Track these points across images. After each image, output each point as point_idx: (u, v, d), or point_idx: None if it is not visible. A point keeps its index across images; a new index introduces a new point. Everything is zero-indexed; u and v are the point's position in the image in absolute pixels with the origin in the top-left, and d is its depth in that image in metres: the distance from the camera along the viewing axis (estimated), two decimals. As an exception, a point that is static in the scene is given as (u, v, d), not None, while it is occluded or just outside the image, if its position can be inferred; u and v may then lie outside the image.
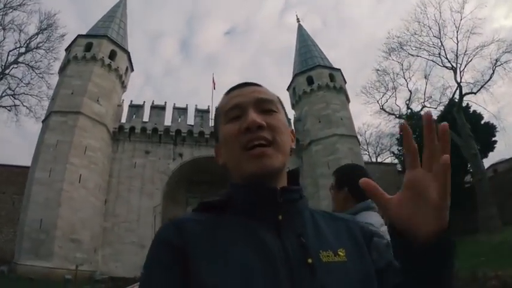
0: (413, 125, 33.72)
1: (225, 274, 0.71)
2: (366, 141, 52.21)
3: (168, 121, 28.86)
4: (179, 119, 29.11)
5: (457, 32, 28.50)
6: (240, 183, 0.86)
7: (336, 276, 0.76)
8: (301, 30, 39.12)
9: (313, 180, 27.55)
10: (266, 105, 0.90)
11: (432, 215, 0.69)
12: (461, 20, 28.58)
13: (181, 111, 29.66)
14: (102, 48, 27.51)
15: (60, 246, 19.54)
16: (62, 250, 19.53)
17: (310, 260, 0.75)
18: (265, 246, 0.76)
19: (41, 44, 30.40)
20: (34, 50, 30.27)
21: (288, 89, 35.82)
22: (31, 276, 17.19)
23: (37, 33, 30.43)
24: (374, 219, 2.06)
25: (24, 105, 30.18)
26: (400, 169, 37.77)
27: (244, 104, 0.88)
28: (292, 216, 0.83)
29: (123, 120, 28.22)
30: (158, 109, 29.30)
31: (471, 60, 28.73)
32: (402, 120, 30.40)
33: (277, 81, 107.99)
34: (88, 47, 27.50)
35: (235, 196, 0.86)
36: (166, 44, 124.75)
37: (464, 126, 26.75)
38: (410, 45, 30.50)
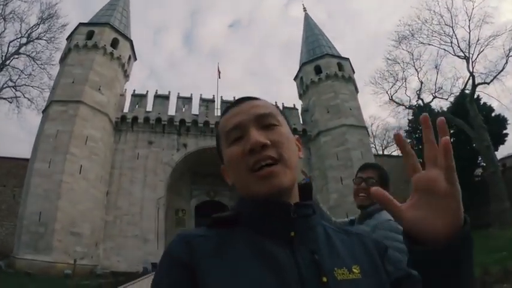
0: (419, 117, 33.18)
1: None
2: (373, 134, 51.33)
3: (172, 111, 28.10)
4: (183, 109, 28.27)
5: (469, 20, 27.90)
6: (251, 200, 0.83)
7: None
8: (307, 19, 38.31)
9: (322, 172, 26.80)
10: (266, 120, 0.87)
11: (446, 205, 0.68)
12: (473, 8, 28.07)
13: (185, 100, 28.80)
14: (104, 36, 26.75)
15: (59, 240, 18.79)
16: (61, 244, 18.79)
17: (325, 279, 0.73)
18: (278, 263, 0.74)
19: (42, 35, 29.94)
20: (35, 41, 29.86)
21: (295, 79, 35.03)
22: (29, 271, 16.63)
23: (38, 24, 29.90)
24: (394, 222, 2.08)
25: (25, 97, 29.87)
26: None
27: (244, 123, 0.86)
28: (305, 232, 0.81)
29: (126, 110, 27.49)
30: (162, 98, 28.52)
31: (483, 50, 28.19)
32: (411, 111, 29.84)
33: (281, 75, 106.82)
34: (89, 35, 26.77)
35: (246, 211, 0.83)
36: (170, 38, 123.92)
37: (476, 118, 26.14)
38: (421, 34, 29.95)
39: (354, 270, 0.78)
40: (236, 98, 0.97)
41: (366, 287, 0.76)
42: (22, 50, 29.34)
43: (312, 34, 35.53)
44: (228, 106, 0.94)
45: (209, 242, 0.78)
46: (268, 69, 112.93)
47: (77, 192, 20.49)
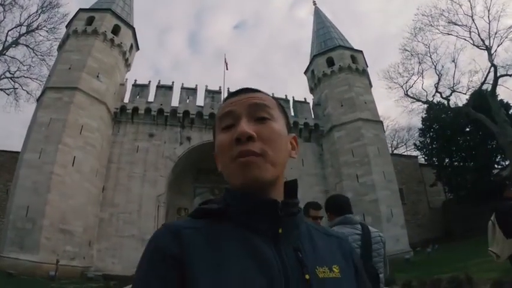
0: (436, 114, 31.66)
1: (224, 286, 0.71)
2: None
3: (175, 102, 26.37)
4: (187, 100, 26.51)
5: (488, 10, 26.30)
6: (238, 192, 0.84)
7: None
8: (318, 12, 36.76)
9: (335, 169, 25.12)
10: (260, 112, 0.88)
11: None
12: (492, -1, 26.28)
13: (190, 91, 27.03)
14: (104, 22, 25.17)
15: (47, 238, 16.95)
16: (49, 242, 16.95)
17: (307, 276, 0.77)
18: (265, 260, 0.76)
19: (42, 24, 28.58)
20: (36, 31, 28.53)
21: (305, 72, 33.36)
22: (13, 271, 14.81)
23: (38, 13, 28.50)
24: (345, 230, 3.05)
25: (24, 89, 28.86)
26: (421, 162, 35.60)
27: (237, 112, 0.88)
28: (290, 230, 0.84)
29: (126, 100, 25.80)
30: (165, 89, 26.75)
31: (502, 42, 26.63)
32: (426, 106, 28.12)
33: (287, 75, 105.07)
34: (90, 21, 25.23)
35: (234, 205, 0.84)
36: (174, 39, 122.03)
37: (499, 112, 24.63)
38: (438, 25, 28.39)
39: (334, 269, 0.83)
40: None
41: (345, 287, 0.83)
42: (22, 40, 28.08)
43: (323, 27, 33.92)
44: (228, 95, 0.96)
45: (199, 234, 0.78)
46: (274, 69, 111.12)
47: (68, 185, 18.70)
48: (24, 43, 28.11)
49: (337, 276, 0.81)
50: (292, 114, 28.01)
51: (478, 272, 9.68)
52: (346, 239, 0.98)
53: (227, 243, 0.77)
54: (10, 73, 28.11)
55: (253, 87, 0.97)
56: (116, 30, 25.96)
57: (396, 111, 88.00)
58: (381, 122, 27.85)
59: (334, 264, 0.83)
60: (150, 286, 0.72)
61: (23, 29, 28.04)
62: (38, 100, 22.65)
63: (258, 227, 0.81)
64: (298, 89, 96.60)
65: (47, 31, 28.54)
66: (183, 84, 27.22)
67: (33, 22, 28.34)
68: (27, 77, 28.57)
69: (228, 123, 0.87)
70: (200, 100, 26.94)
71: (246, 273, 0.72)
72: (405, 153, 44.74)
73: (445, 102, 29.34)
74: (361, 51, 31.33)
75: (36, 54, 28.34)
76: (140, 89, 26.52)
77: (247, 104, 0.88)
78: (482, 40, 26.60)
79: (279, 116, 0.91)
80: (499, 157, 30.06)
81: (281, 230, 0.81)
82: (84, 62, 22.88)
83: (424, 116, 33.10)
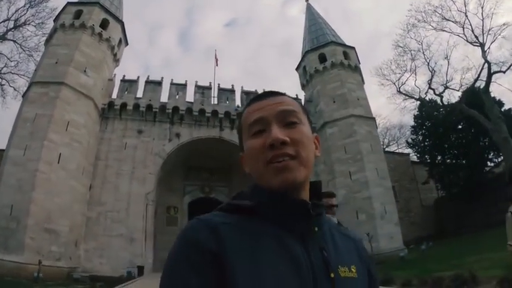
0: (428, 111, 31.57)
1: (261, 285, 0.71)
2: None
3: (164, 98, 25.80)
4: (177, 96, 25.98)
5: (482, 7, 26.28)
6: (269, 191, 0.85)
7: None
8: (310, 9, 36.45)
9: (328, 166, 24.87)
10: (289, 117, 0.89)
11: None
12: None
13: (179, 87, 26.51)
14: (92, 16, 24.56)
15: (32, 238, 16.34)
16: (34, 242, 16.33)
17: (332, 275, 0.79)
18: (296, 259, 0.77)
19: (30, 19, 27.74)
20: (23, 26, 27.73)
21: (297, 69, 33.06)
22: (-6, 273, 14.18)
23: (26, 8, 27.70)
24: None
25: (11, 86, 28.12)
26: (413, 160, 35.49)
27: (267, 118, 0.88)
28: (317, 230, 0.87)
29: (114, 96, 25.16)
30: (154, 84, 26.21)
31: (495, 39, 26.78)
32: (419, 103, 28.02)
33: (277, 74, 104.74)
34: (78, 15, 24.60)
35: (265, 203, 0.85)
36: (165, 36, 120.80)
37: (493, 108, 24.67)
38: (432, 21, 28.43)
39: (352, 269, 0.85)
40: (260, 92, 0.99)
41: (361, 287, 0.86)
42: (9, 35, 27.25)
43: (315, 23, 33.69)
44: (253, 98, 0.97)
45: (234, 230, 0.78)
46: (265, 67, 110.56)
47: (54, 183, 18.09)
48: (12, 38, 27.41)
49: (354, 276, 0.84)
50: (283, 110, 27.52)
51: (480, 269, 9.40)
52: (360, 240, 1.01)
53: (262, 240, 0.77)
54: (-4, 69, 27.29)
55: (277, 90, 0.98)
56: (104, 24, 25.36)
57: (387, 109, 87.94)
58: (374, 119, 27.70)
59: (352, 265, 0.86)
60: (189, 281, 0.70)
61: (11, 24, 27.33)
62: (23, 95, 22.02)
63: (291, 226, 0.82)
64: (289, 87, 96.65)
65: (35, 26, 27.81)
66: (172, 80, 26.72)
67: (21, 17, 27.61)
68: (14, 73, 27.98)
69: (258, 128, 0.88)
70: (190, 96, 26.50)
71: (280, 270, 0.73)
72: (397, 151, 44.74)
73: (438, 99, 29.34)
74: (353, 48, 31.12)
75: (23, 50, 27.68)
76: (129, 84, 25.93)
77: (277, 110, 0.88)
78: (476, 36, 26.60)
79: (305, 118, 0.93)
80: (491, 154, 30.11)
81: (314, 229, 0.84)
82: (71, 56, 22.26)
83: (416, 113, 33.01)
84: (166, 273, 0.74)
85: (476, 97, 25.88)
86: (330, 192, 4.05)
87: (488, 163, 31.01)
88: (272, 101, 0.91)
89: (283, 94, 0.96)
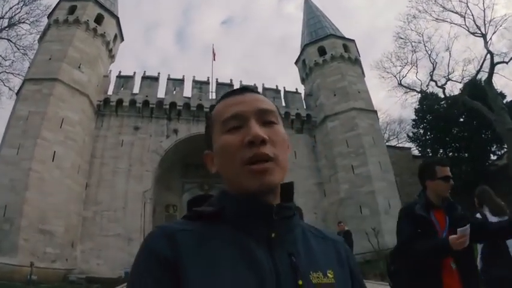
0: (429, 104, 31.20)
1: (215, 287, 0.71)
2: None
3: (161, 94, 25.25)
4: (174, 91, 25.41)
5: None
6: (235, 195, 0.82)
7: None
8: (308, 2, 35.80)
9: (329, 161, 24.34)
10: (268, 116, 0.86)
11: None
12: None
13: (176, 82, 25.91)
14: (87, 11, 23.99)
15: (25, 239, 15.81)
16: (28, 244, 15.81)
17: (300, 282, 0.75)
18: (258, 265, 0.75)
19: (24, 17, 27.20)
20: (17, 24, 27.22)
21: (296, 63, 32.50)
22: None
23: (20, 5, 27.15)
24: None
25: (6, 86, 27.56)
26: (414, 154, 35.12)
27: (246, 114, 0.84)
28: (284, 234, 0.82)
29: (110, 93, 24.59)
30: (150, 80, 25.60)
31: (497, 30, 26.56)
32: (420, 96, 27.63)
33: (276, 71, 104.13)
34: (72, 11, 24.07)
35: (229, 208, 0.82)
36: (162, 34, 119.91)
37: (496, 99, 24.48)
38: (432, 12, 28.17)
39: (329, 274, 0.80)
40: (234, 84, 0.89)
41: None
42: (3, 34, 26.75)
43: (314, 16, 33.11)
44: (228, 93, 0.93)
45: (193, 237, 0.76)
46: (263, 63, 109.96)
47: (48, 182, 17.58)
48: (6, 37, 26.88)
49: (331, 281, 0.79)
50: (284, 104, 27.14)
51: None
52: (342, 242, 0.96)
53: (220, 246, 0.75)
54: (-10, 68, 26.87)
55: (250, 87, 0.94)
56: (99, 20, 24.78)
57: (387, 104, 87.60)
58: (375, 112, 27.14)
59: (328, 269, 0.81)
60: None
61: (5, 22, 26.81)
62: (17, 93, 21.57)
63: (253, 231, 0.79)
64: (288, 82, 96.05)
65: (29, 24, 27.24)
66: (169, 75, 26.17)
67: (15, 15, 27.06)
68: (9, 73, 27.38)
69: (234, 125, 0.83)
70: (187, 91, 25.97)
71: (240, 277, 0.70)
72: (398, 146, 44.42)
73: (440, 92, 28.99)
74: (353, 40, 30.59)
75: (18, 49, 27.07)
76: (125, 80, 25.39)
77: (257, 107, 0.85)
78: (478, 27, 26.25)
79: (280, 121, 0.90)
80: (494, 147, 29.84)
81: (274, 234, 0.79)
82: (64, 52, 21.71)
83: (417, 107, 32.72)
84: (129, 281, 0.73)
85: (478, 89, 25.68)
86: (442, 158, 3.53)
87: (491, 156, 30.79)
88: (251, 97, 0.87)
89: (260, 93, 0.92)
